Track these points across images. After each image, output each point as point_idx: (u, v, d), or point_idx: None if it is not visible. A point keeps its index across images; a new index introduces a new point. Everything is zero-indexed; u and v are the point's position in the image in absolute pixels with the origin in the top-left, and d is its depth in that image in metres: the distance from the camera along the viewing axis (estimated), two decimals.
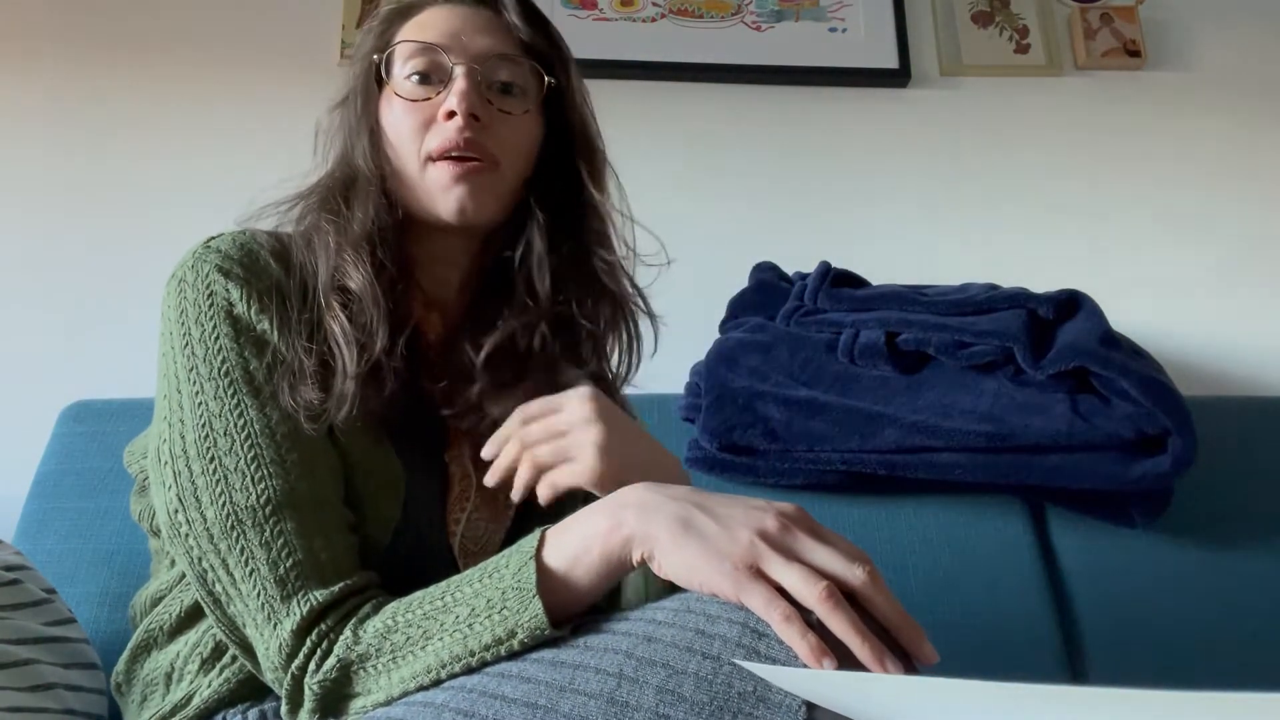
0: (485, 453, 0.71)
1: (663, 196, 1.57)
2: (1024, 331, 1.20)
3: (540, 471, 0.68)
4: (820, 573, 0.53)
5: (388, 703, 0.60)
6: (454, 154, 0.72)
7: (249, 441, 0.65)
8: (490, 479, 0.71)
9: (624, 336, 0.84)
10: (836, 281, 1.36)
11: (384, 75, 0.76)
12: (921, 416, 1.17)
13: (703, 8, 1.69)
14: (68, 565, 1.08)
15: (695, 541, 0.55)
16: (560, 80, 0.79)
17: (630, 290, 0.83)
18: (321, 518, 0.66)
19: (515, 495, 0.70)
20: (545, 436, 0.68)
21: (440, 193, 0.73)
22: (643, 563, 0.57)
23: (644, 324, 0.85)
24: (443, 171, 0.72)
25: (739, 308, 1.40)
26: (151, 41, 1.61)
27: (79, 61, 1.59)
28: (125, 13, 1.62)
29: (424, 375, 0.76)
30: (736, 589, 0.53)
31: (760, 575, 0.53)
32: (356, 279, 0.70)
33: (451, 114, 0.72)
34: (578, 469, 0.67)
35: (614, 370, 0.86)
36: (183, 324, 0.69)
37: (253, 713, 0.69)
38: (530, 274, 0.79)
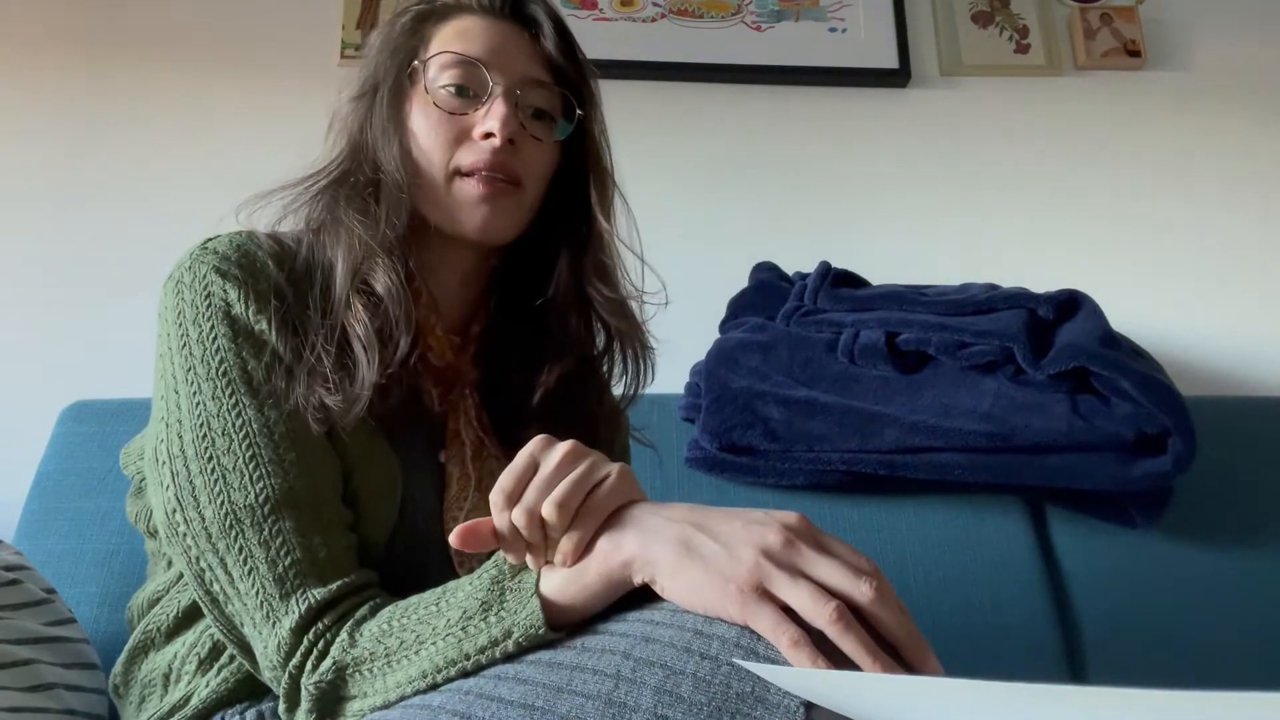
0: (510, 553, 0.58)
1: (663, 197, 1.58)
2: (1024, 331, 1.20)
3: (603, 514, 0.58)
4: (828, 590, 0.52)
5: (385, 706, 0.60)
6: (484, 172, 0.72)
7: (247, 441, 0.65)
8: (566, 557, 0.57)
9: (627, 366, 0.85)
10: (836, 281, 1.36)
11: (418, 80, 0.75)
12: (921, 416, 1.17)
13: (703, 8, 1.69)
14: (68, 565, 1.08)
15: (697, 564, 0.54)
16: (587, 112, 0.79)
17: (635, 322, 0.83)
18: (320, 516, 0.65)
19: (570, 561, 0.57)
20: (576, 490, 0.57)
21: (466, 208, 0.73)
22: (644, 585, 0.56)
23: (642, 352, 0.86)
24: (471, 187, 0.73)
25: (739, 308, 1.40)
26: (151, 41, 1.61)
27: (79, 61, 1.59)
28: (124, 12, 1.62)
29: (423, 377, 0.76)
30: (742, 612, 0.52)
31: (766, 596, 0.52)
32: (384, 282, 0.70)
33: (488, 135, 0.72)
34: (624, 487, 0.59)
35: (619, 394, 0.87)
36: (180, 325, 0.68)
37: (250, 713, 0.69)
38: (563, 313, 0.80)
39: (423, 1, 0.79)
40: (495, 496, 0.56)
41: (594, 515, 0.57)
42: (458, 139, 0.73)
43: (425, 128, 0.74)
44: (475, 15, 0.77)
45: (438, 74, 0.75)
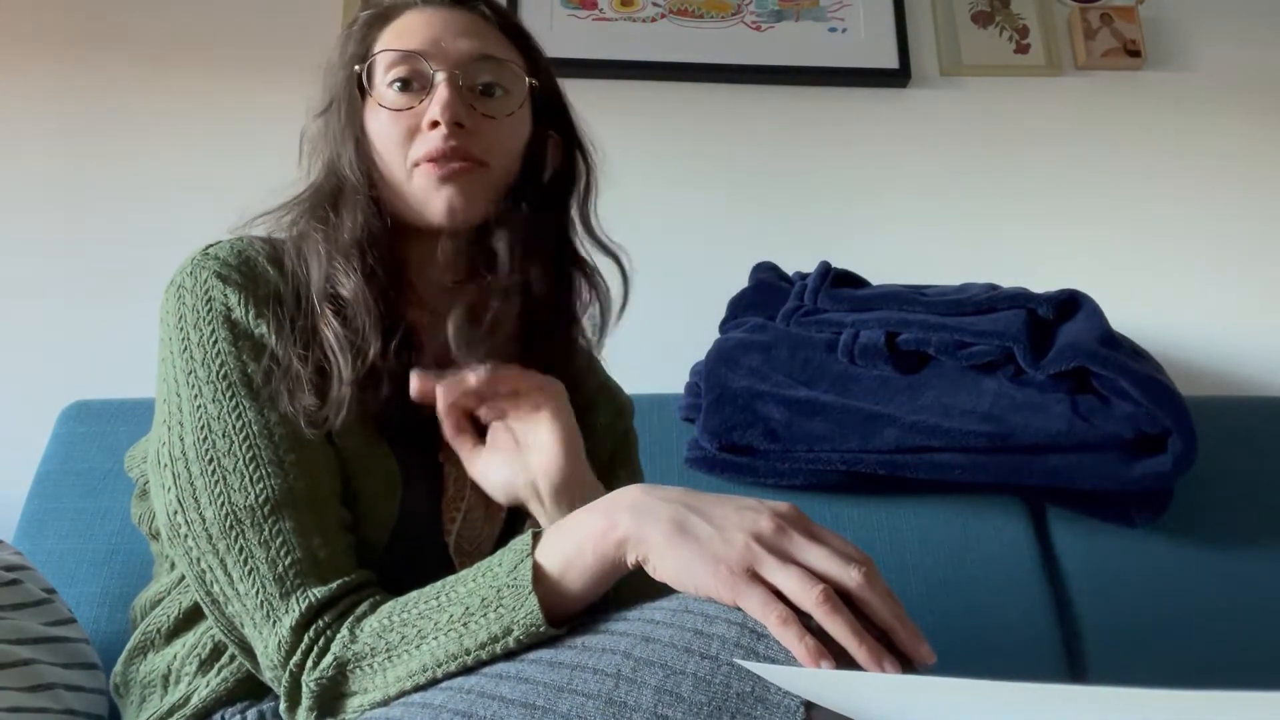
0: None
1: (662, 196, 1.58)
2: (1024, 331, 1.20)
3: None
4: (816, 575, 0.52)
5: (385, 702, 0.60)
6: (438, 158, 0.72)
7: (247, 443, 0.66)
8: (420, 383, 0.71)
9: (593, 302, 0.84)
10: (836, 281, 1.36)
11: (366, 84, 0.75)
12: (921, 416, 1.17)
13: (703, 8, 1.69)
14: (68, 565, 1.08)
15: (690, 545, 0.55)
16: (543, 88, 0.79)
17: (589, 260, 0.83)
18: (319, 517, 0.66)
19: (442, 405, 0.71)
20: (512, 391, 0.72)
21: (429, 195, 0.73)
22: (638, 566, 0.57)
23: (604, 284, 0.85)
24: (429, 174, 0.72)
25: (739, 308, 1.40)
26: (150, 42, 1.61)
27: (79, 62, 1.59)
28: (124, 13, 1.62)
29: None
30: (733, 592, 0.53)
31: (756, 578, 0.53)
32: (348, 286, 0.71)
33: (435, 123, 0.72)
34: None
35: (588, 337, 0.85)
36: (181, 329, 0.69)
37: (251, 713, 0.69)
38: (500, 253, 0.78)
39: (368, 8, 0.79)
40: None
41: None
42: (410, 133, 0.73)
43: (379, 129, 0.75)
44: (417, 9, 0.77)
45: (383, 74, 0.75)
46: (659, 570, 0.56)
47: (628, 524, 0.57)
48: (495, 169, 0.75)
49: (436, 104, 0.72)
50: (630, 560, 0.57)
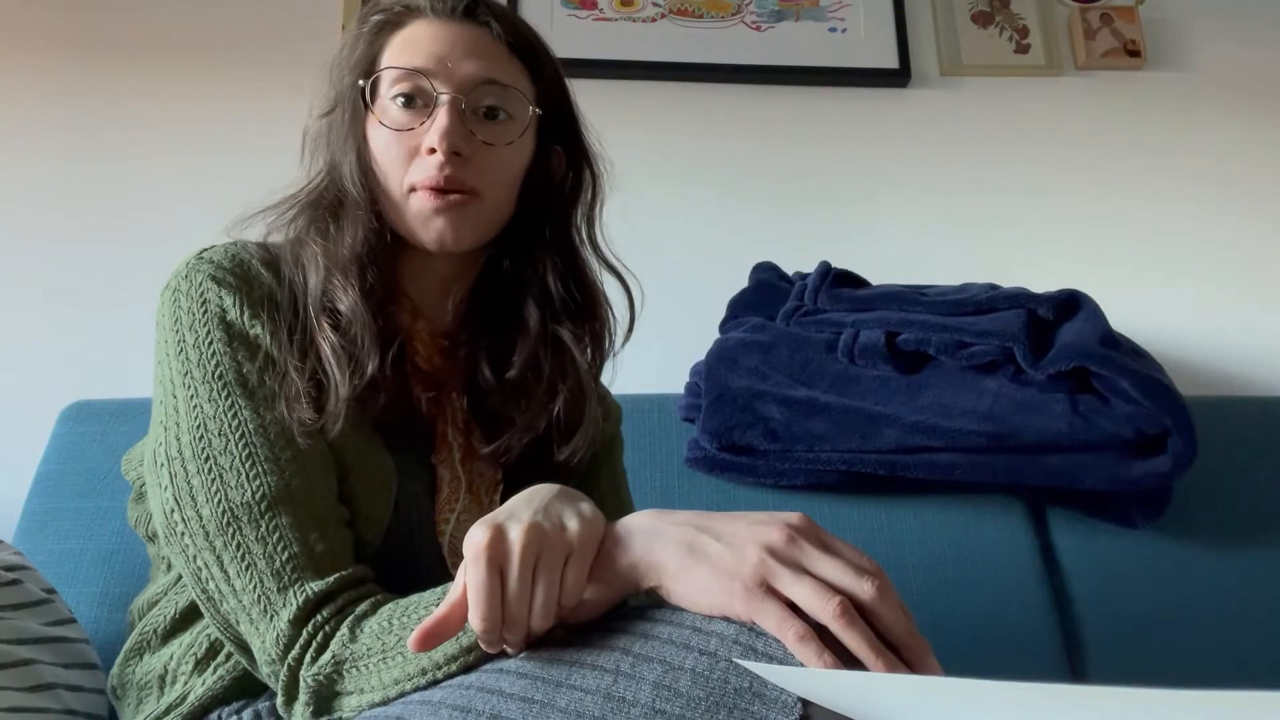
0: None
1: (663, 197, 1.58)
2: (1024, 331, 1.20)
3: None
4: (831, 587, 0.52)
5: (384, 702, 0.60)
6: (434, 187, 0.72)
7: (243, 440, 0.66)
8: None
9: (604, 332, 0.85)
10: (836, 281, 1.36)
11: (370, 99, 0.75)
12: (921, 416, 1.17)
13: (703, 8, 1.69)
14: (68, 565, 1.08)
15: (702, 565, 0.54)
16: (550, 105, 0.79)
17: (604, 294, 0.84)
18: (316, 513, 0.66)
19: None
20: (553, 592, 0.55)
21: (421, 223, 0.73)
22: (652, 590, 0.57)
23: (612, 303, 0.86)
24: (424, 202, 0.72)
25: (739, 308, 1.40)
26: (150, 42, 1.61)
27: (78, 63, 1.59)
28: (124, 14, 1.62)
29: (412, 381, 0.77)
30: (748, 608, 0.52)
31: (771, 592, 0.52)
32: (346, 302, 0.71)
33: (433, 149, 0.71)
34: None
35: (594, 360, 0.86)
36: (177, 331, 0.70)
37: (247, 712, 0.69)
38: (537, 303, 0.80)
39: (378, 11, 0.78)
40: (478, 624, 0.53)
41: (572, 596, 0.55)
42: (410, 155, 0.73)
43: (380, 145, 0.74)
44: (425, 20, 0.76)
45: (387, 88, 0.74)
46: (673, 594, 0.55)
47: (639, 550, 0.56)
48: (489, 198, 0.75)
49: (435, 131, 0.71)
50: (644, 586, 0.57)
